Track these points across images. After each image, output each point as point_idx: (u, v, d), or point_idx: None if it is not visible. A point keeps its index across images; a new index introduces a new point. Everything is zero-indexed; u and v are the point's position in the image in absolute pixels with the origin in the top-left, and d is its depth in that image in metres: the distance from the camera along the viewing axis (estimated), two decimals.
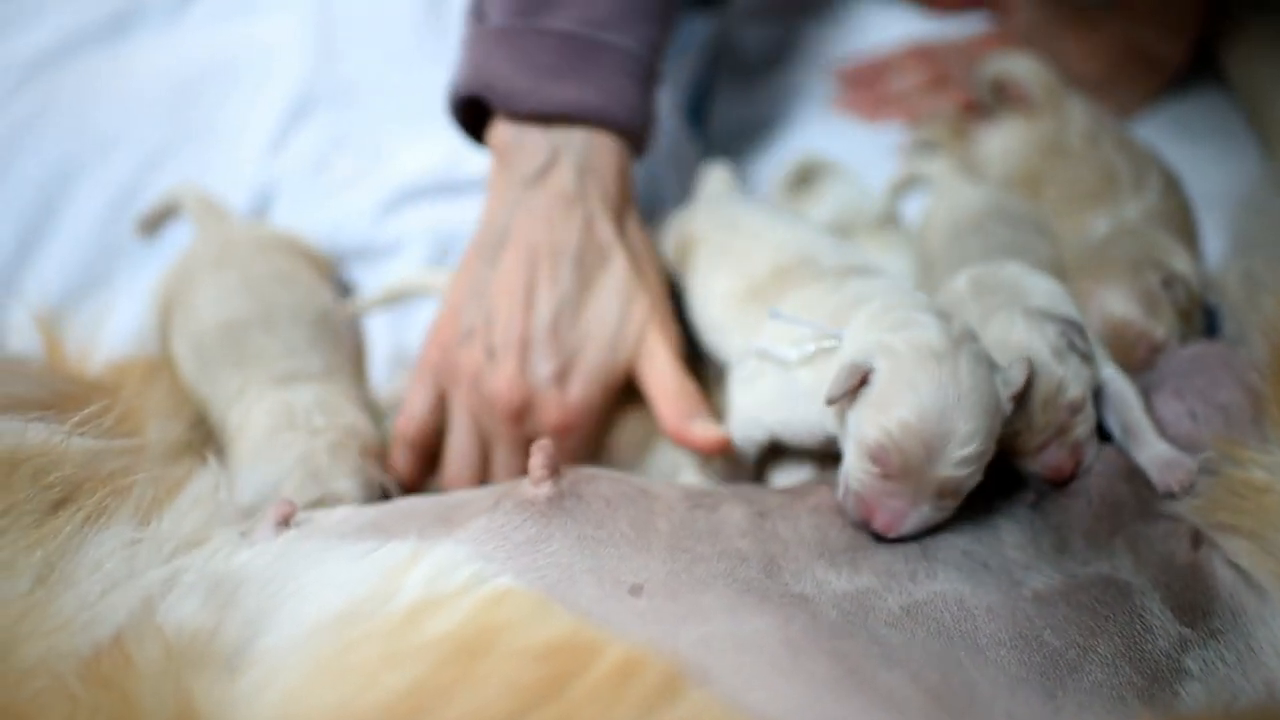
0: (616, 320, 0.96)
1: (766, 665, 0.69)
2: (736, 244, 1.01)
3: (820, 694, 0.67)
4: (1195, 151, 1.23)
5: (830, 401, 0.77)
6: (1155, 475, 0.85)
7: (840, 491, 0.80)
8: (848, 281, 0.90)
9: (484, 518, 0.80)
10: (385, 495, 0.94)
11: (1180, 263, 1.00)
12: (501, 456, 0.99)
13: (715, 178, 1.15)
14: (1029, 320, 0.86)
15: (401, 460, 1.01)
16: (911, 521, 0.78)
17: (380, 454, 0.98)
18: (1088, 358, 0.86)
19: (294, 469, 0.91)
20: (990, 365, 0.79)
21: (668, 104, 1.26)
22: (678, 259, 1.07)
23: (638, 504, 0.82)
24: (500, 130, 0.99)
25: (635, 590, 0.75)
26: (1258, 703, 0.73)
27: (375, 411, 1.05)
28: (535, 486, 0.82)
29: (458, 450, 1.00)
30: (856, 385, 0.77)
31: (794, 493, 0.85)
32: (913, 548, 0.81)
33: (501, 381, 0.95)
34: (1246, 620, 0.79)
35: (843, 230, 1.15)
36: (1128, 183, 1.09)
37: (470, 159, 1.20)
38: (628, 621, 0.72)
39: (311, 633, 0.72)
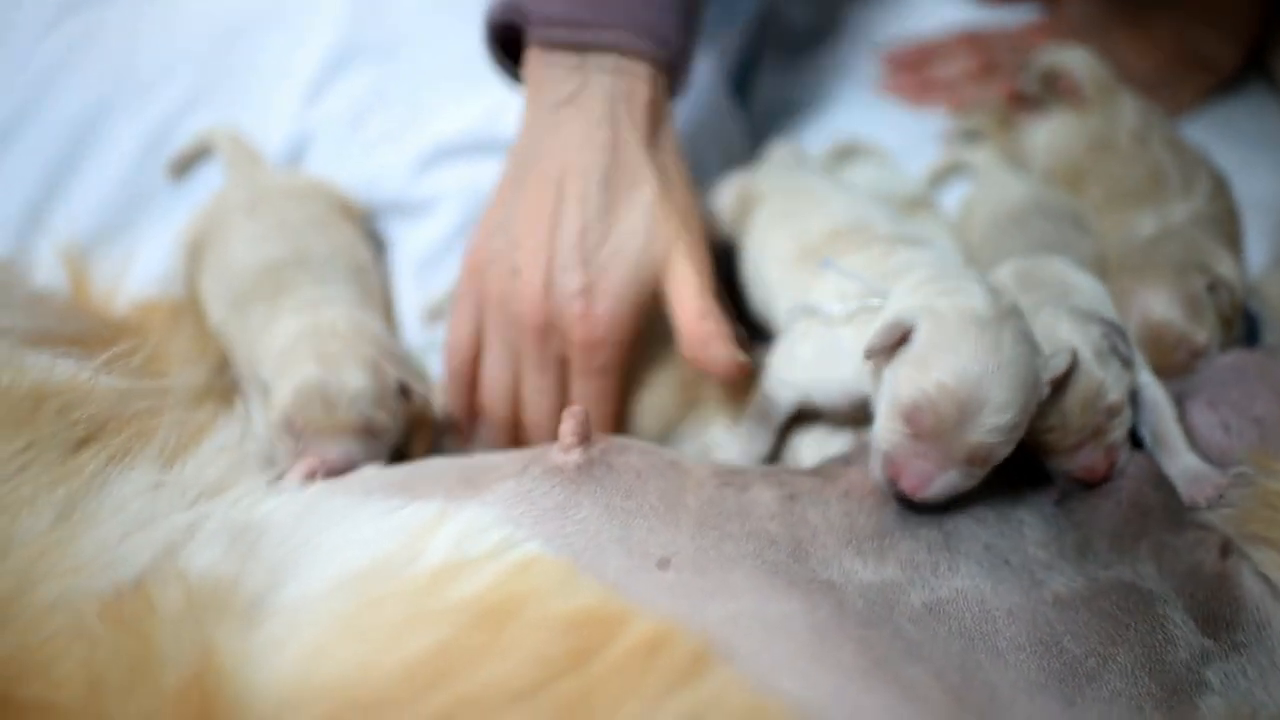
0: (644, 239, 0.94)
1: (794, 648, 0.69)
2: (798, 207, 1.00)
3: (847, 681, 0.67)
4: (1244, 155, 1.21)
5: (869, 354, 0.77)
6: (1183, 488, 0.84)
7: (871, 456, 0.80)
8: (898, 249, 0.90)
9: (512, 481, 0.80)
10: (405, 393, 0.93)
11: (1225, 268, 0.98)
12: (531, 379, 0.97)
13: (783, 149, 1.15)
14: (1074, 318, 0.85)
15: (451, 393, 1.01)
16: (939, 485, 0.77)
17: (409, 371, 0.97)
18: (1128, 363, 0.86)
19: (306, 358, 0.90)
20: (1034, 345, 0.79)
21: (713, 77, 1.25)
22: (736, 217, 1.06)
23: (668, 477, 0.81)
24: (532, 59, 0.98)
25: (663, 563, 0.74)
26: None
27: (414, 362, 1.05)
28: (565, 453, 0.81)
29: (491, 375, 0.99)
30: (897, 341, 0.77)
31: (825, 475, 0.84)
32: (936, 537, 0.80)
33: (526, 298, 0.94)
34: (1271, 634, 0.78)
35: None
36: (1176, 184, 1.07)
37: (508, 117, 1.18)
38: (655, 595, 0.72)
39: (334, 588, 0.72)
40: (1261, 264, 1.12)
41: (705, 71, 1.23)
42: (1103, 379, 0.83)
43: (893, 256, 0.88)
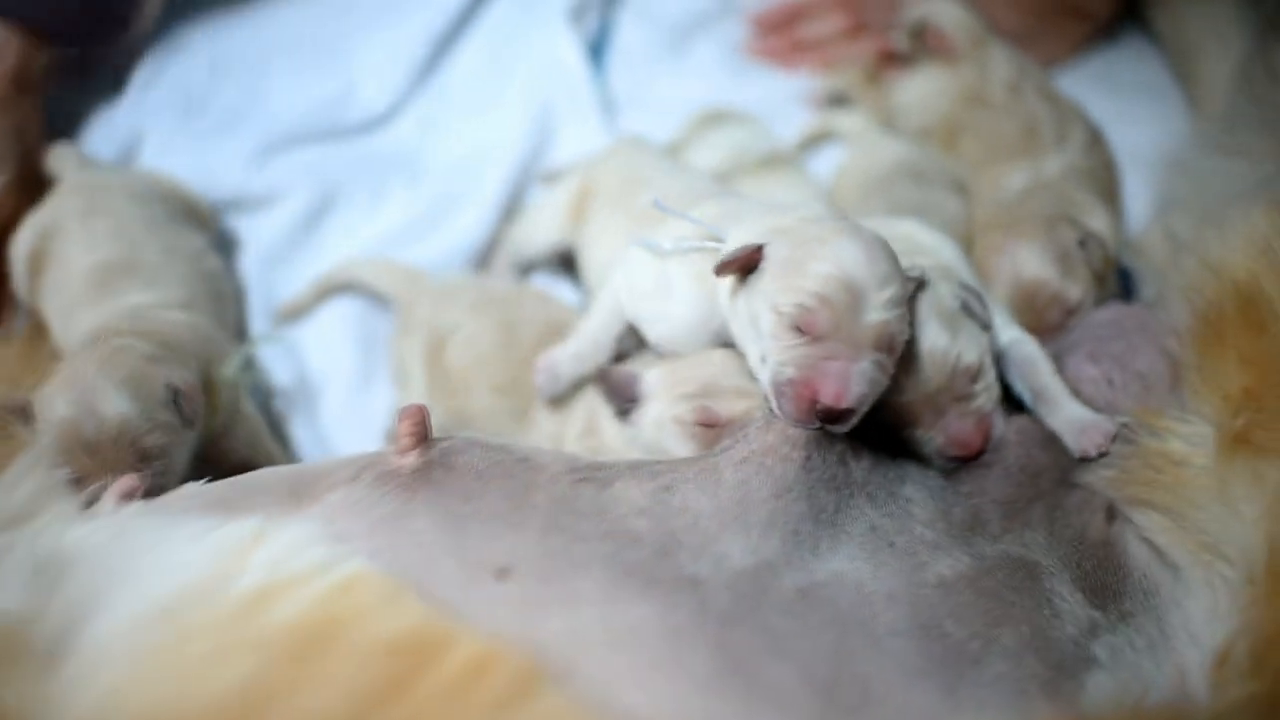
0: None
1: (641, 658, 0.63)
2: (633, 196, 0.95)
3: (699, 691, 0.62)
4: (1122, 106, 1.18)
5: (718, 272, 0.74)
6: (1071, 440, 0.80)
7: (773, 398, 0.73)
8: (734, 200, 0.87)
9: (342, 491, 0.73)
10: (179, 408, 0.85)
11: (1097, 221, 0.95)
12: None
13: (623, 141, 1.09)
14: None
15: None
16: (858, 380, 0.71)
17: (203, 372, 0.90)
18: (985, 324, 0.81)
19: (62, 391, 0.82)
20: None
21: (571, 48, 1.19)
22: (575, 214, 1.01)
23: (515, 476, 0.75)
24: None
25: (502, 573, 0.68)
26: (1166, 702, 0.68)
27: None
28: (400, 456, 0.74)
29: None
30: (748, 261, 0.74)
31: (731, 448, 0.78)
32: (828, 504, 0.75)
33: None
34: (1159, 602, 0.75)
35: (739, 171, 1.10)
36: (1049, 136, 1.04)
37: (358, 99, 1.14)
38: (490, 609, 0.66)
39: (142, 621, 0.65)
40: (1142, 216, 1.09)
41: (557, 40, 1.17)
42: (949, 341, 0.78)
43: (725, 204, 0.85)
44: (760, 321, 0.74)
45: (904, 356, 0.76)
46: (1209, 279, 0.83)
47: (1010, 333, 0.84)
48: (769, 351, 0.73)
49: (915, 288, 0.78)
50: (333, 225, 1.12)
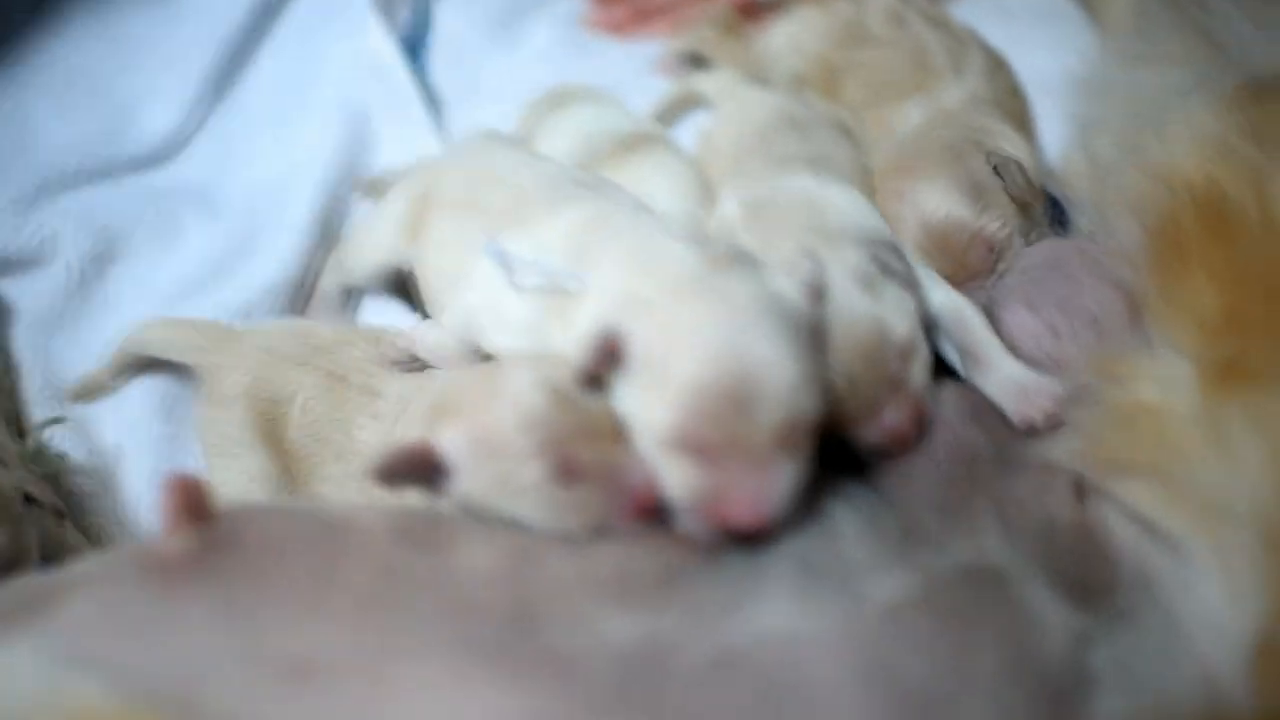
0: None
1: None
2: (482, 194, 0.80)
3: None
4: (1017, 33, 1.04)
5: (586, 380, 0.60)
6: (1010, 406, 0.68)
7: (677, 519, 0.60)
8: (579, 205, 0.71)
9: (92, 593, 0.57)
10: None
11: (1011, 145, 0.81)
12: None
13: (471, 137, 0.95)
14: (825, 244, 0.67)
15: None
16: (777, 489, 0.58)
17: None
18: (909, 282, 0.67)
19: None
20: (769, 278, 0.61)
21: (383, 38, 1.03)
22: (412, 227, 0.86)
23: (322, 547, 0.59)
24: None
25: (302, 672, 0.52)
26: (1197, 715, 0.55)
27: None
28: (168, 538, 0.58)
29: None
30: (611, 356, 0.59)
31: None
32: (740, 563, 0.60)
33: None
34: (1160, 590, 0.62)
35: (595, 157, 0.94)
36: (944, 65, 0.91)
37: (137, 127, 0.99)
38: None
39: None
40: (1056, 146, 0.96)
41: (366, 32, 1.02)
42: (878, 313, 0.65)
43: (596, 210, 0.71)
44: (632, 428, 0.60)
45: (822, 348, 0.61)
46: (1158, 191, 0.71)
47: (939, 293, 0.71)
48: (656, 467, 0.59)
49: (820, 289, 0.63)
50: (118, 277, 0.94)
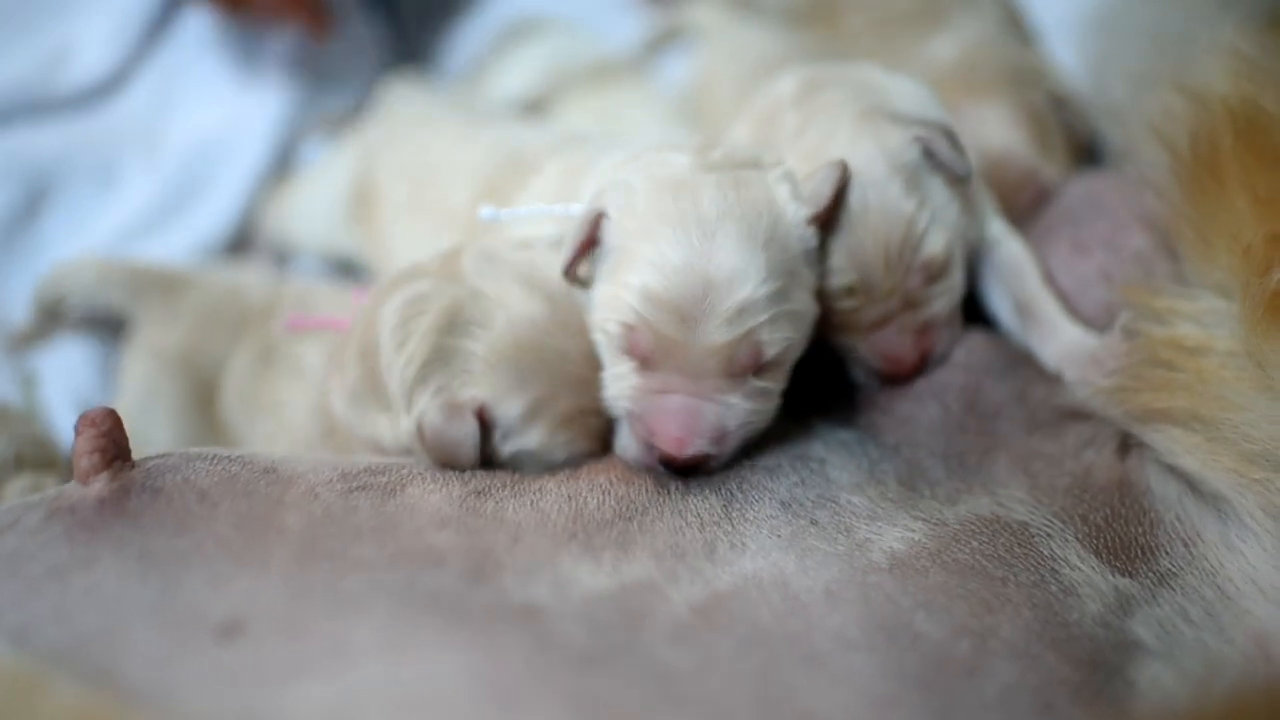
0: None
1: None
2: (429, 191, 0.76)
3: None
4: None
5: (566, 274, 0.58)
6: (1074, 374, 0.62)
7: (618, 435, 0.59)
8: (566, 154, 0.68)
9: (10, 539, 0.52)
10: None
11: (1059, 83, 0.78)
12: None
13: (395, 98, 0.89)
14: (862, 122, 0.61)
15: None
16: (709, 419, 0.55)
17: None
18: (961, 175, 0.61)
19: None
20: (763, 190, 0.57)
21: None
22: (356, 216, 0.83)
23: (255, 494, 0.54)
24: None
25: (227, 632, 0.47)
26: (1257, 686, 0.50)
27: None
28: (83, 483, 0.54)
29: None
30: (588, 242, 0.57)
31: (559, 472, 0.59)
32: (709, 506, 0.56)
33: None
34: (1206, 550, 0.56)
35: (566, 89, 0.91)
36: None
37: (74, 62, 0.93)
38: (204, 685, 0.46)
39: None
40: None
41: None
42: (910, 212, 0.59)
43: (566, 161, 0.69)
44: (594, 331, 0.58)
45: (841, 230, 0.58)
46: (1193, 113, 0.64)
47: (999, 230, 0.65)
48: (606, 373, 0.58)
49: (835, 203, 0.59)
50: (52, 222, 0.90)
